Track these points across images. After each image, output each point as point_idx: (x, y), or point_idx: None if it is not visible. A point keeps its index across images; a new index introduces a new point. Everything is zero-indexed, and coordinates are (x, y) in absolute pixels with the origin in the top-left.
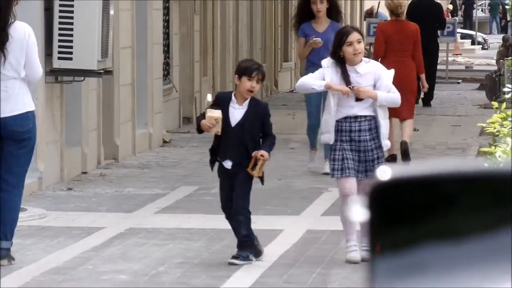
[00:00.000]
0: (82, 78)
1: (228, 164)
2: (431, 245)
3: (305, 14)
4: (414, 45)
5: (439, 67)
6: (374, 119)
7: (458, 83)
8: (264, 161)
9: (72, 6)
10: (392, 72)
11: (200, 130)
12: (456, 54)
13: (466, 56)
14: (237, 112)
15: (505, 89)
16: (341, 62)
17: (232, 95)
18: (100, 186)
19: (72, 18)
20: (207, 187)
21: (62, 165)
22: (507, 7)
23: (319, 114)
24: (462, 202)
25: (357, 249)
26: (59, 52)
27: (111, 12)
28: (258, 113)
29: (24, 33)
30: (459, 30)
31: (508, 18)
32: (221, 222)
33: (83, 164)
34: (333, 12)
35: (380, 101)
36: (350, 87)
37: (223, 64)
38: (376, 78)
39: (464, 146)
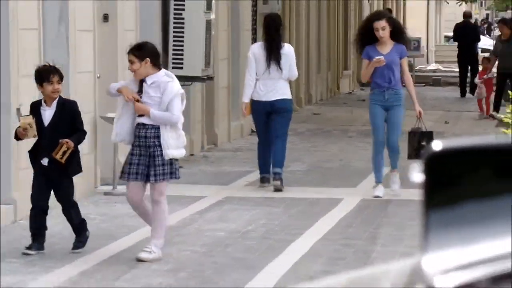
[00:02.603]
0: (190, 82)
1: (45, 161)
2: (473, 203)
3: (368, 38)
4: None
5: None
6: (158, 128)
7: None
8: (68, 148)
9: (183, 27)
10: (179, 91)
11: (18, 138)
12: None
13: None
14: (47, 114)
15: None
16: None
17: (42, 100)
18: (203, 165)
19: (183, 37)
20: (286, 165)
21: None
22: None
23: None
24: (500, 170)
25: None
26: (173, 63)
27: (213, 32)
28: (66, 111)
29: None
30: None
31: None
32: (297, 192)
33: (191, 148)
34: (397, 34)
35: (153, 118)
36: (140, 96)
37: (299, 72)
38: (162, 92)
39: (486, 134)
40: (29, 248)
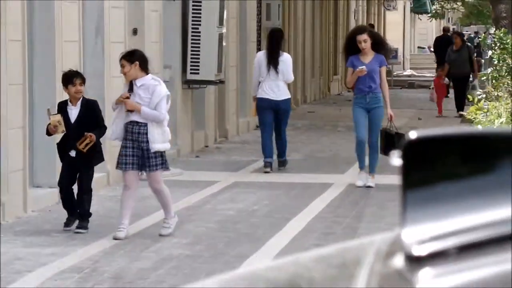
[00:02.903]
0: (205, 86)
1: (73, 153)
2: (444, 184)
3: (353, 49)
4: None
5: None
6: (146, 125)
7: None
8: (91, 141)
9: (199, 39)
10: (166, 93)
11: (49, 134)
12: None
13: None
14: (73, 112)
15: (478, 92)
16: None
17: (68, 100)
18: (216, 155)
19: (199, 47)
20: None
21: (192, 141)
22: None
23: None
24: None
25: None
26: (191, 69)
27: (224, 43)
28: (89, 110)
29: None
30: None
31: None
32: (294, 178)
33: (205, 140)
34: (377, 46)
35: (143, 115)
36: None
37: (296, 76)
38: (150, 93)
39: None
40: (67, 224)
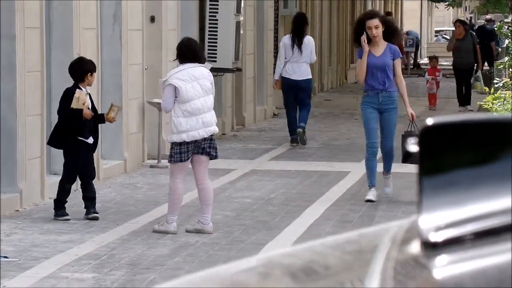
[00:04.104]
0: (223, 73)
1: (91, 140)
2: (461, 171)
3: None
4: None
5: None
6: None
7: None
8: (118, 109)
9: (216, 27)
10: (161, 81)
11: (101, 121)
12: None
13: None
14: (88, 100)
15: (495, 81)
16: None
17: (81, 87)
18: (233, 143)
19: (216, 35)
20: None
21: None
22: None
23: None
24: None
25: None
26: (208, 56)
27: (241, 31)
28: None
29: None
30: None
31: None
32: (310, 166)
33: (223, 128)
34: (389, 34)
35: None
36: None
37: (312, 66)
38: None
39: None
40: (87, 213)
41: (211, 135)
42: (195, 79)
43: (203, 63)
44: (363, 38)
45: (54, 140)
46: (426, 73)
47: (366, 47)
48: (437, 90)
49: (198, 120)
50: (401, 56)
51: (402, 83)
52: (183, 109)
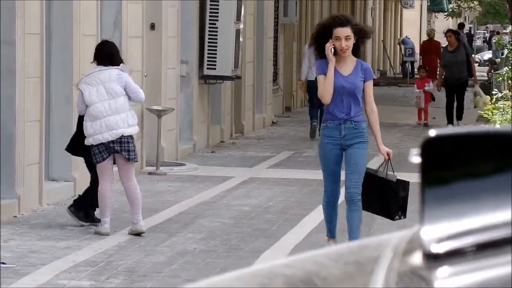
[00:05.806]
0: (222, 81)
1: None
2: (462, 182)
3: (324, 45)
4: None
5: None
6: None
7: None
8: None
9: (216, 35)
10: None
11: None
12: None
13: None
14: None
15: (493, 92)
16: None
17: None
18: (232, 150)
19: (216, 43)
20: (300, 152)
21: (208, 136)
22: (493, 41)
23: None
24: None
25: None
26: (207, 64)
27: (241, 39)
28: None
29: None
30: None
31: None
32: (309, 174)
33: (221, 136)
34: (358, 49)
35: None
36: None
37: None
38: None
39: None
40: (91, 219)
41: (121, 138)
42: (101, 83)
43: (118, 65)
44: (330, 46)
45: (73, 147)
46: (415, 86)
47: (333, 58)
48: (430, 102)
49: (101, 124)
50: (374, 77)
51: (373, 113)
52: (88, 113)
